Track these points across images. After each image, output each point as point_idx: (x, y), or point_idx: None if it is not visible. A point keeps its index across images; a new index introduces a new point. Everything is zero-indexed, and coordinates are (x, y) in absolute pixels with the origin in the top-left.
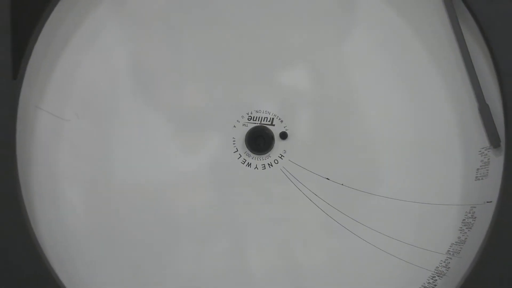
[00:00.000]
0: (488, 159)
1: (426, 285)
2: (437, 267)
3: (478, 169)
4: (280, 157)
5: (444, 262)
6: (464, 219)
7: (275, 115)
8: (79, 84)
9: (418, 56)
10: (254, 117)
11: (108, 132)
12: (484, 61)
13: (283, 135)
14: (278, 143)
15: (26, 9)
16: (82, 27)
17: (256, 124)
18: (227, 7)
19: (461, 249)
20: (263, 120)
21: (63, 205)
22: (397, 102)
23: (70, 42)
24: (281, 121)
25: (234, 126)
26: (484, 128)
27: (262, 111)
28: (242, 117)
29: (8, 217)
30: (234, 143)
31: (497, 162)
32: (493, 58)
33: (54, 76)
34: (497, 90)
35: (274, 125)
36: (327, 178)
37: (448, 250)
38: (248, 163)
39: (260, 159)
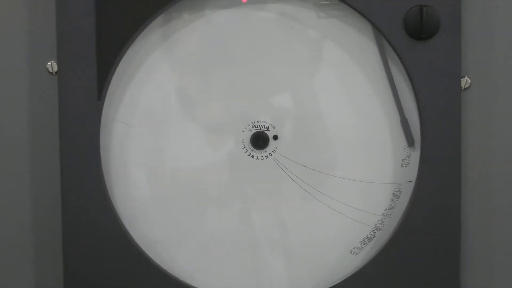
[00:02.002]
0: (409, 153)
1: (369, 235)
2: (376, 224)
3: (403, 160)
4: (273, 152)
5: (380, 220)
6: (393, 193)
7: (269, 124)
8: (141, 103)
9: (362, 83)
10: (256, 125)
11: (160, 135)
12: (405, 86)
13: (275, 137)
14: (272, 143)
15: (107, 50)
16: (143, 64)
17: (257, 130)
18: (239, 54)
19: (392, 212)
20: (262, 127)
21: (131, 183)
22: (349, 114)
23: (135, 74)
24: (274, 128)
25: (243, 131)
26: (404, 133)
27: (261, 121)
28: (248, 125)
29: (94, 192)
30: (242, 142)
31: (415, 155)
32: (412, 85)
33: (125, 98)
34: (414, 107)
35: (269, 130)
36: (304, 165)
37: (383, 213)
38: (252, 155)
39: (260, 153)
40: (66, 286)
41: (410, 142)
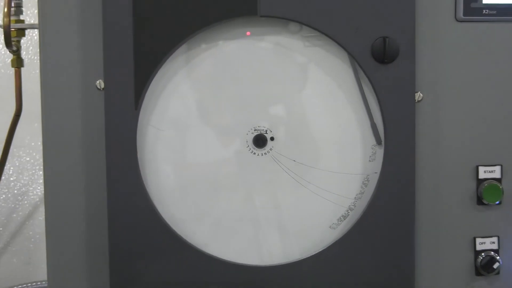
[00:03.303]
0: (376, 150)
1: (344, 214)
2: (349, 205)
3: (370, 156)
4: (270, 150)
5: (353, 203)
6: (363, 181)
7: (267, 128)
8: (169, 112)
9: (339, 97)
10: (257, 129)
11: (183, 136)
12: (372, 99)
13: (272, 138)
14: (269, 143)
15: (142, 71)
16: (170, 82)
17: (258, 133)
18: (243, 74)
19: (362, 196)
20: (262, 131)
21: (160, 173)
22: (329, 121)
23: (164, 89)
24: (271, 131)
25: (247, 134)
26: (373, 134)
27: (261, 126)
28: (251, 129)
29: (132, 182)
30: (247, 142)
31: (380, 152)
32: (378, 98)
33: (156, 108)
34: (380, 115)
35: (267, 133)
36: (294, 160)
37: (355, 197)
38: (254, 152)
39: (260, 151)
40: (112, 253)
41: (378, 141)
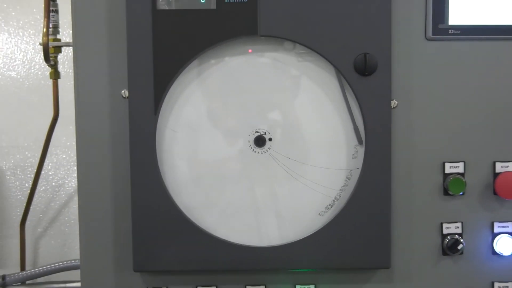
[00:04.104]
0: (358, 149)
1: (331, 203)
2: (335, 196)
3: (353, 154)
4: (268, 149)
5: (338, 193)
6: (347, 175)
7: (266, 130)
8: (183, 116)
9: (327, 104)
10: (257, 131)
11: (195, 137)
12: (355, 106)
13: (270, 139)
14: (268, 143)
15: (160, 82)
16: (184, 91)
17: (258, 134)
18: (246, 85)
19: (346, 188)
20: (261, 133)
21: (175, 168)
22: (318, 124)
23: (179, 98)
24: (269, 133)
25: (249, 135)
26: (355, 135)
27: (261, 129)
28: (252, 131)
29: (152, 175)
30: (249, 142)
31: (361, 151)
32: (359, 105)
33: (172, 113)
34: (361, 119)
35: (266, 134)
36: (288, 157)
37: (340, 188)
38: (255, 150)
39: (260, 149)
40: (134, 236)
41: (360, 142)
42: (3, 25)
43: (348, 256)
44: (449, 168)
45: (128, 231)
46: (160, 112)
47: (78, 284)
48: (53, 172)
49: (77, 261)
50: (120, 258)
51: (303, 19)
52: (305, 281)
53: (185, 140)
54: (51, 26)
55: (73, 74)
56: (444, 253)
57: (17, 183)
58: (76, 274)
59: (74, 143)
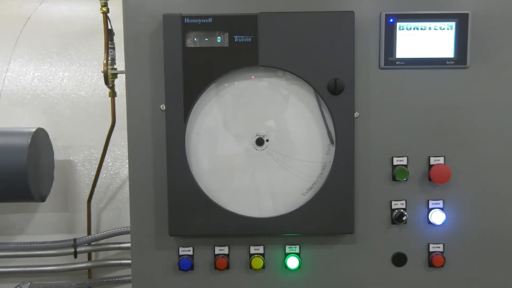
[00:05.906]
0: (330, 148)
1: (311, 186)
2: (314, 181)
3: (327, 151)
4: (266, 147)
5: (316, 180)
6: (323, 166)
7: (264, 134)
8: (205, 124)
9: (308, 115)
10: (258, 134)
11: (214, 139)
12: (329, 117)
13: (267, 140)
14: (265, 143)
15: (188, 99)
16: (206, 105)
17: (258, 137)
18: (250, 102)
19: (321, 175)
20: (261, 136)
21: (199, 161)
22: (301, 130)
23: (202, 110)
24: (266, 136)
25: (252, 137)
26: (328, 137)
27: (260, 133)
28: (254, 135)
29: (182, 168)
30: (252, 142)
31: (333, 148)
32: (332, 116)
33: (197, 121)
34: (332, 126)
35: (264, 137)
36: (280, 153)
37: (317, 176)
38: (256, 149)
39: (260, 148)
40: (170, 210)
41: (331, 142)
42: (75, 58)
43: (323, 224)
44: (396, 161)
45: (165, 206)
46: (188, 121)
47: (129, 244)
48: (111, 164)
49: (128, 228)
50: (159, 226)
51: (290, 55)
52: (292, 242)
53: (206, 141)
54: (109, 58)
55: (125, 93)
56: (393, 222)
57: (85, 172)
58: (127, 237)
59: (126, 143)
